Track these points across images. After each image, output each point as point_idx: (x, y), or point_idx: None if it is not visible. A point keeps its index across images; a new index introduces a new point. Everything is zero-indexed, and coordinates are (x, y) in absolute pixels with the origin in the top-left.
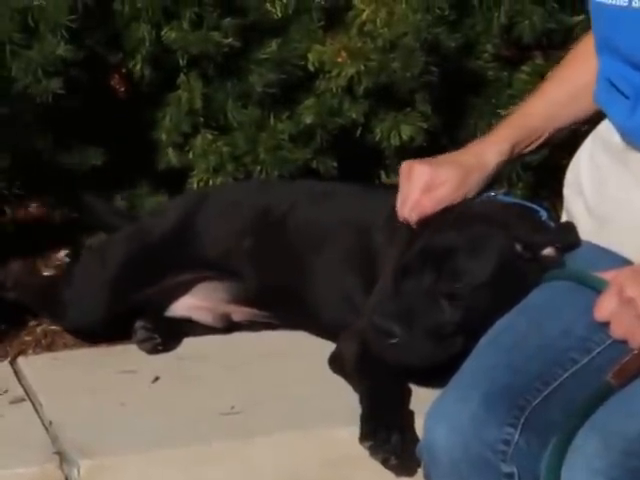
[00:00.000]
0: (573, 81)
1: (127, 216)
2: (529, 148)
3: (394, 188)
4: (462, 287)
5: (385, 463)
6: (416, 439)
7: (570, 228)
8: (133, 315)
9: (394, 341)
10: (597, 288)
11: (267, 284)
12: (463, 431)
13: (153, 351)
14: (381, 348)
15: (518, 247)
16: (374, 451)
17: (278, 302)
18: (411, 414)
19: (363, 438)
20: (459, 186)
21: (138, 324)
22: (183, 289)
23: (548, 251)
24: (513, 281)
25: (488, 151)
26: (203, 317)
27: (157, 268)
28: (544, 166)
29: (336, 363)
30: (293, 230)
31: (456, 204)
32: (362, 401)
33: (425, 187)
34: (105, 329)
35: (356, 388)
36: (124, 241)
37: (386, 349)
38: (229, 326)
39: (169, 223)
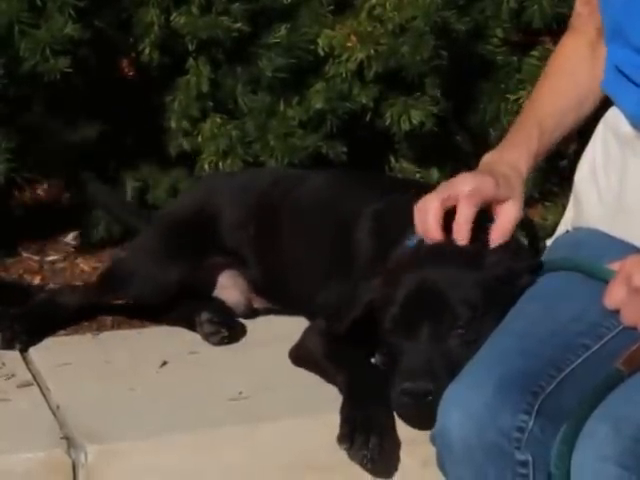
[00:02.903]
0: (569, 93)
1: (133, 209)
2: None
3: (391, 178)
4: (464, 325)
5: (362, 465)
6: (395, 439)
7: (536, 249)
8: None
9: (430, 398)
10: (604, 278)
11: (268, 275)
12: (477, 418)
13: (220, 344)
14: (417, 411)
15: (498, 277)
16: (351, 454)
17: (279, 292)
18: (391, 411)
19: (341, 439)
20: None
21: (204, 316)
22: (216, 272)
23: (525, 278)
24: (497, 305)
25: (521, 164)
26: (234, 299)
27: (189, 251)
28: (554, 151)
29: (299, 356)
30: (288, 220)
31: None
32: (342, 393)
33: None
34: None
35: (330, 379)
36: (157, 230)
37: (423, 409)
38: (251, 313)
39: (189, 210)
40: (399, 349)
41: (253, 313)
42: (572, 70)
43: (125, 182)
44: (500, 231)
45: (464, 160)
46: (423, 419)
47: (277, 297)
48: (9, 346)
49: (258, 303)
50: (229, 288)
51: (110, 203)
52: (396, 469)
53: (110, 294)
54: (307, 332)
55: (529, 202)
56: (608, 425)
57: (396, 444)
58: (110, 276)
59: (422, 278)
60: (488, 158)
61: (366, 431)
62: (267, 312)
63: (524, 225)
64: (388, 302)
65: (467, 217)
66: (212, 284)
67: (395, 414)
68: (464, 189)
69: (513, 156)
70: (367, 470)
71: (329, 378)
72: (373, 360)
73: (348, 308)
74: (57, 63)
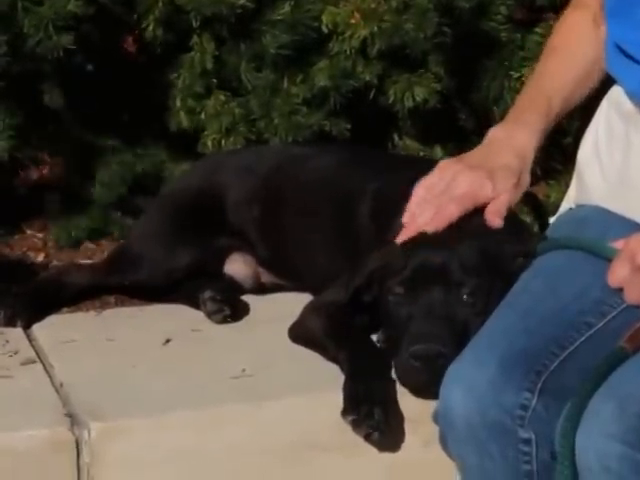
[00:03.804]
0: (576, 66)
1: None
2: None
3: (394, 155)
4: (472, 293)
5: (367, 438)
6: (399, 413)
7: (535, 233)
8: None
9: (442, 362)
10: (608, 256)
11: (275, 253)
12: (480, 396)
13: (223, 322)
14: (425, 377)
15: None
16: (356, 425)
17: (286, 270)
18: (394, 384)
19: (345, 412)
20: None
21: (207, 294)
22: (224, 253)
23: (519, 260)
24: (501, 281)
25: (529, 149)
26: (241, 274)
27: (197, 233)
28: (556, 128)
29: (298, 333)
30: (292, 198)
31: None
32: (343, 370)
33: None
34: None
35: (331, 357)
36: (163, 211)
37: (436, 374)
38: (258, 288)
39: (194, 190)
40: (406, 315)
41: (260, 288)
42: (577, 43)
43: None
44: (491, 213)
45: (467, 137)
46: (430, 385)
47: (284, 274)
48: (10, 323)
49: (265, 278)
50: (237, 263)
51: None
52: (402, 442)
53: (117, 276)
54: (306, 310)
55: (532, 180)
56: (613, 403)
57: (400, 418)
58: (118, 258)
59: (429, 247)
60: (496, 134)
61: (370, 404)
62: (274, 287)
63: (529, 202)
64: (395, 269)
65: (449, 216)
66: (220, 265)
67: (399, 387)
68: (457, 192)
69: (522, 138)
70: (372, 443)
71: (329, 355)
72: (374, 337)
73: (352, 278)
74: (60, 40)
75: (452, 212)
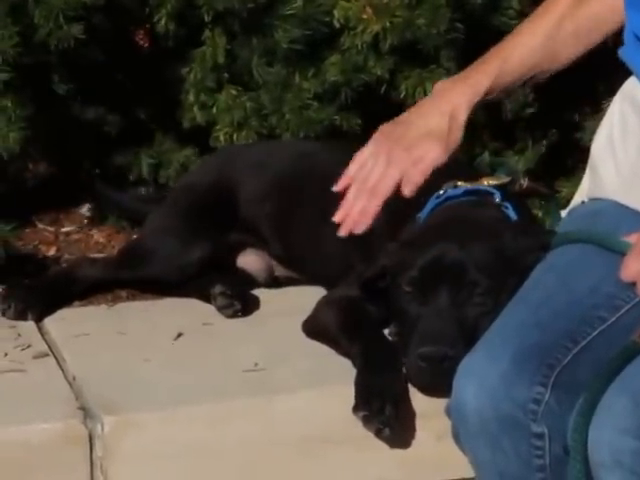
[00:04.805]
0: (545, 33)
1: (147, 199)
2: (493, 98)
3: None
4: (483, 293)
5: (378, 434)
6: (410, 408)
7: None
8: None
9: (447, 364)
10: (621, 250)
11: (288, 248)
12: (493, 391)
13: (233, 317)
14: (433, 377)
15: (510, 253)
16: (367, 421)
17: (300, 265)
18: (405, 381)
19: (357, 407)
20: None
21: (217, 289)
22: (236, 249)
23: (534, 254)
24: (513, 277)
25: (461, 109)
26: (255, 268)
27: (209, 229)
28: (567, 122)
29: (312, 328)
30: (305, 194)
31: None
32: (355, 364)
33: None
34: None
35: (343, 352)
36: (176, 206)
37: (438, 376)
38: (272, 281)
39: (207, 185)
40: (415, 314)
41: (274, 281)
42: (550, 13)
43: (140, 158)
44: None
45: (479, 132)
46: (438, 386)
47: (298, 269)
48: (22, 317)
49: (279, 271)
50: (250, 257)
51: (120, 201)
52: (413, 438)
53: (129, 270)
54: (319, 304)
55: (543, 174)
56: (626, 398)
57: (411, 414)
58: (130, 252)
59: (441, 245)
60: (438, 87)
61: (381, 400)
62: (288, 281)
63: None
64: (405, 266)
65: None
66: (232, 259)
67: (409, 383)
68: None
69: (457, 96)
70: (383, 439)
71: (342, 350)
72: (386, 331)
73: (365, 271)
74: (70, 30)
75: (375, 209)
